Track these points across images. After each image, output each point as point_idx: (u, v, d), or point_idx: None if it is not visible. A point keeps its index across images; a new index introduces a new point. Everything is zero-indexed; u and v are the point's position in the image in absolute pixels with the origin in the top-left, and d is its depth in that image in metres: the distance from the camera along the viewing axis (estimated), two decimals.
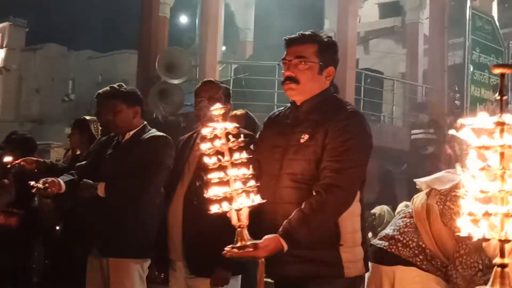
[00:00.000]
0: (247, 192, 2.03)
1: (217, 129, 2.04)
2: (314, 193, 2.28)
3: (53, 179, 3.35)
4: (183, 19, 19.04)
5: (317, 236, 2.30)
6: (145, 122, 3.63)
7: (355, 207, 2.41)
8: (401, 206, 6.92)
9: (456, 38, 12.33)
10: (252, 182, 2.04)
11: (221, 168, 2.02)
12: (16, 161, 3.93)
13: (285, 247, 2.17)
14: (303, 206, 2.25)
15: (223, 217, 2.77)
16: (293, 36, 2.52)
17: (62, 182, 3.38)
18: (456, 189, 2.44)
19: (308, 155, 2.36)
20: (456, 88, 12.21)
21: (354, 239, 2.40)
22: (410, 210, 2.77)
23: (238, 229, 2.05)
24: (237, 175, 2.00)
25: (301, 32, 2.53)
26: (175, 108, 10.28)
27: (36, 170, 3.95)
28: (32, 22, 48.39)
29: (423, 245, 2.59)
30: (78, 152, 4.34)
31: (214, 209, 2.02)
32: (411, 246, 2.60)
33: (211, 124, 2.08)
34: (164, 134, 3.56)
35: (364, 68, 13.05)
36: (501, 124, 1.31)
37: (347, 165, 2.30)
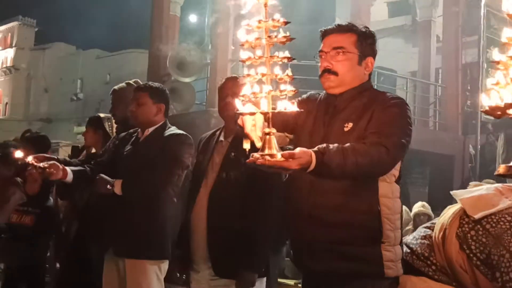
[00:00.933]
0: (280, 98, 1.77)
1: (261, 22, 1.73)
2: None
3: (55, 162, 3.17)
4: (193, 17, 18.98)
5: (355, 231, 2.21)
6: (166, 120, 3.55)
7: (396, 204, 2.32)
8: (417, 206, 6.83)
9: (468, 37, 12.19)
10: (288, 87, 1.76)
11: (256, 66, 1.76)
12: (27, 159, 3.84)
13: (313, 165, 1.97)
14: (355, 144, 2.12)
15: (250, 217, 2.74)
16: (330, 26, 2.44)
17: (68, 170, 3.21)
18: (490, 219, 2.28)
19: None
20: (469, 87, 12.08)
21: (395, 237, 2.31)
22: (435, 221, 2.62)
23: (267, 136, 1.78)
24: (272, 73, 1.74)
25: (338, 23, 2.45)
26: (186, 106, 10.22)
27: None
28: (41, 21, 48.64)
29: (434, 261, 2.46)
30: (94, 151, 4.26)
31: (242, 109, 1.77)
32: (422, 258, 2.47)
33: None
34: (185, 133, 3.48)
35: (377, 66, 12.93)
36: None
37: (391, 132, 2.20)
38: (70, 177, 3.18)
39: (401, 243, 2.36)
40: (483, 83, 10.27)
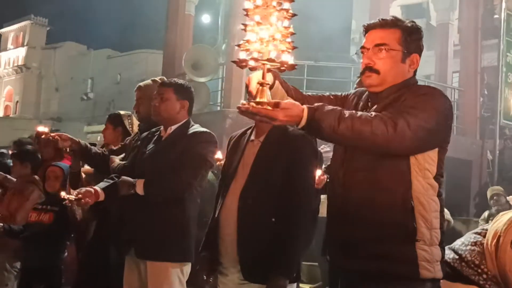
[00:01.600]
0: (282, 50, 1.77)
1: None
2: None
3: (88, 188, 3.13)
4: (206, 17, 18.97)
5: (387, 229, 2.12)
6: (189, 118, 3.46)
7: (433, 202, 2.19)
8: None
9: (484, 41, 12.06)
10: (285, 44, 1.76)
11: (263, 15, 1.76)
12: (52, 134, 3.79)
13: (304, 120, 1.91)
14: (363, 113, 2.05)
15: (282, 220, 2.64)
16: (372, 21, 2.32)
17: (99, 190, 3.14)
18: None
19: None
20: (486, 92, 11.94)
21: (432, 236, 2.18)
22: (487, 228, 2.49)
23: (261, 87, 1.79)
24: (276, 25, 1.75)
25: (382, 17, 2.33)
26: (200, 107, 10.14)
27: (68, 149, 3.83)
28: (52, 20, 48.98)
29: (485, 269, 2.33)
30: (113, 148, 4.17)
31: (241, 55, 1.76)
32: (472, 266, 2.34)
33: None
34: (208, 130, 3.38)
35: None
36: None
37: (410, 112, 2.07)
38: (101, 196, 3.14)
39: (441, 245, 2.23)
40: (502, 87, 10.13)
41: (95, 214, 4.08)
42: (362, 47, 2.31)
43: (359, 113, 2.05)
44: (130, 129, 4.35)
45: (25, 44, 48.44)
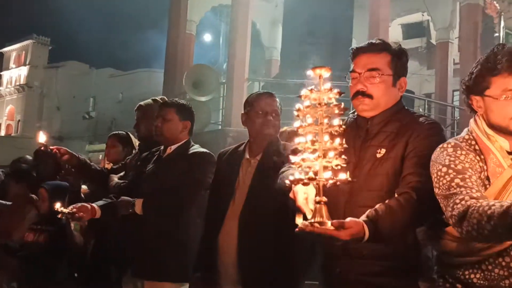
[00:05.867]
0: (333, 169, 1.70)
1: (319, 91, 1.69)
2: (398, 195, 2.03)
3: (83, 204, 3.13)
4: (207, 37, 19.10)
5: (391, 262, 2.07)
6: (190, 138, 3.46)
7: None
8: None
9: None
10: (339, 161, 1.70)
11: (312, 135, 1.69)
12: (51, 147, 3.73)
13: (367, 235, 1.88)
14: (388, 201, 1.98)
15: (282, 240, 2.59)
16: (362, 45, 2.30)
17: (96, 207, 3.15)
18: None
19: (386, 169, 2.13)
20: None
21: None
22: None
23: (318, 205, 1.72)
24: (330, 143, 1.67)
25: (370, 41, 2.32)
26: (201, 126, 10.14)
27: (67, 164, 3.77)
28: (55, 40, 49.25)
29: None
30: (115, 166, 4.15)
31: (297, 175, 1.70)
32: None
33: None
34: (207, 151, 3.37)
35: None
36: None
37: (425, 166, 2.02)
38: (98, 214, 3.14)
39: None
40: None
41: (93, 233, 4.05)
42: (353, 71, 2.28)
43: (402, 198, 1.99)
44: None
45: (27, 63, 48.67)
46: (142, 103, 3.95)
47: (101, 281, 3.76)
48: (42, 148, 3.70)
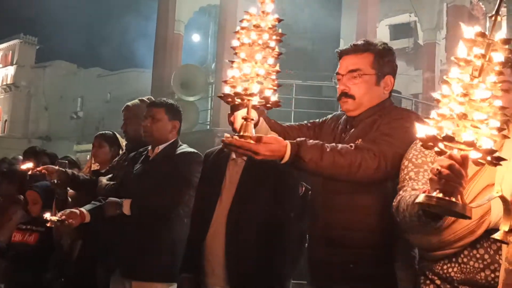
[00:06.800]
0: (265, 89, 1.78)
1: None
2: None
3: (72, 210, 3.17)
4: (196, 37, 19.07)
5: (367, 250, 2.12)
6: (178, 138, 3.47)
7: None
8: None
9: None
10: (270, 84, 1.79)
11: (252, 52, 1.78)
12: (38, 168, 3.75)
13: (287, 155, 1.93)
14: (343, 146, 2.07)
15: (270, 241, 2.63)
16: (345, 47, 2.36)
17: (85, 211, 3.21)
18: None
19: None
20: None
21: (412, 256, 2.18)
22: None
23: (245, 121, 1.81)
24: (262, 62, 1.77)
25: (354, 42, 2.37)
26: (189, 126, 10.14)
27: (57, 181, 3.78)
28: (42, 39, 48.89)
29: None
30: (102, 171, 4.12)
31: (226, 90, 1.78)
32: None
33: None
34: (195, 151, 3.38)
35: None
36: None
37: (386, 140, 2.10)
38: (87, 218, 3.23)
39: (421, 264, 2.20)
40: None
41: (80, 233, 4.04)
42: (337, 73, 2.34)
43: (340, 146, 2.06)
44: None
45: (14, 62, 48.26)
46: (129, 103, 3.95)
47: (89, 282, 3.75)
48: (30, 173, 3.76)
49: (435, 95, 1.30)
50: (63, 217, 3.09)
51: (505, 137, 1.33)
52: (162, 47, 12.15)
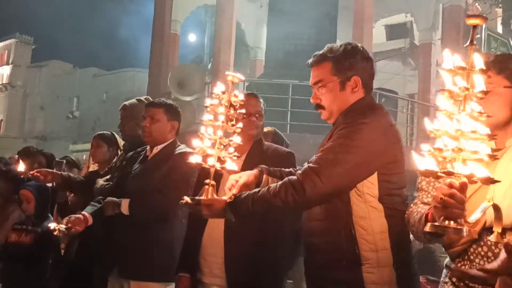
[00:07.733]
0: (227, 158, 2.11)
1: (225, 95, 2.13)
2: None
3: (76, 216, 3.20)
4: (192, 37, 19.07)
5: (334, 255, 2.17)
6: (176, 138, 3.47)
7: (376, 224, 2.17)
8: None
9: None
10: (227, 154, 2.13)
11: (214, 127, 2.12)
12: (31, 172, 3.75)
13: (226, 211, 2.15)
14: (273, 186, 2.16)
15: (266, 240, 2.65)
16: (309, 60, 2.38)
17: (87, 215, 3.24)
18: None
19: None
20: None
21: (379, 258, 2.15)
22: None
23: (206, 186, 2.13)
24: (222, 136, 2.11)
25: (316, 53, 2.37)
26: (186, 125, 10.14)
27: (52, 184, 3.79)
28: (38, 39, 48.76)
29: None
30: (101, 172, 4.12)
31: (193, 159, 2.10)
32: None
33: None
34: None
35: (377, 87, 12.95)
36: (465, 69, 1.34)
37: (328, 161, 2.09)
38: (90, 221, 3.27)
39: (396, 265, 2.17)
40: None
41: (77, 233, 4.04)
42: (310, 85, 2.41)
43: (272, 186, 2.14)
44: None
45: (10, 62, 48.19)
46: (126, 103, 3.95)
47: (86, 282, 3.75)
48: (22, 176, 3.76)
49: (428, 126, 1.37)
50: (69, 224, 3.11)
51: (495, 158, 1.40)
52: (158, 47, 12.14)
